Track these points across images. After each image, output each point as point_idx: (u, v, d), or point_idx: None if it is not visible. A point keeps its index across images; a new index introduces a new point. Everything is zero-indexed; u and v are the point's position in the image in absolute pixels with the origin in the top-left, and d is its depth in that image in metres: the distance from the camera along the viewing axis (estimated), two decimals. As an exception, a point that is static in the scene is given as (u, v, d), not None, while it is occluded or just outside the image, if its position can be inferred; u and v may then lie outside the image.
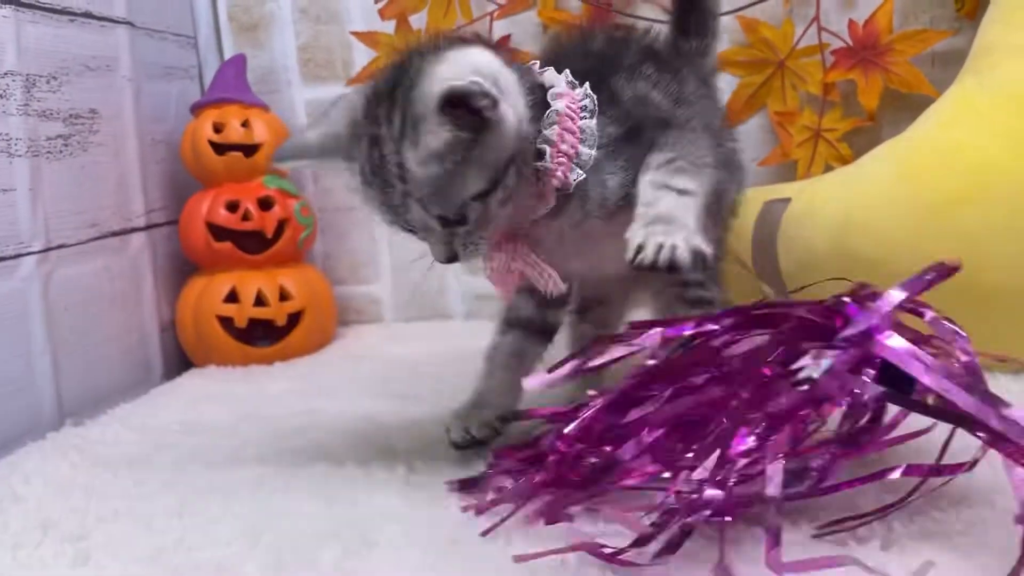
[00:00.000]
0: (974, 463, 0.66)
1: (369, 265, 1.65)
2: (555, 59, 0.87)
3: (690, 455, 0.66)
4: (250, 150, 1.43)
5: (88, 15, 1.27)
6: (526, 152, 0.78)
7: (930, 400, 0.66)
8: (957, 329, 0.69)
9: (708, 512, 0.61)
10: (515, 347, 0.95)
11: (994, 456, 0.62)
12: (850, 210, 1.11)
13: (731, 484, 0.62)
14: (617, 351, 0.73)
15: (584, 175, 0.79)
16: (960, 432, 0.66)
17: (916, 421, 0.70)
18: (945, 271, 0.69)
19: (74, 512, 0.83)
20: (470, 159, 0.73)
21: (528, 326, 0.95)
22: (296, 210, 1.46)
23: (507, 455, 0.81)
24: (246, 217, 1.41)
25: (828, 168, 1.37)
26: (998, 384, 0.84)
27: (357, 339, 1.56)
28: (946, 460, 0.68)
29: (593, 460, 0.71)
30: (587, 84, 0.82)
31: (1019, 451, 0.59)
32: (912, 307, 0.70)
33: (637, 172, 0.80)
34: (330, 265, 1.65)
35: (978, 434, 0.62)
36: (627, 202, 0.79)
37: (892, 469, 0.68)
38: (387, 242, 1.61)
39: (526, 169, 0.78)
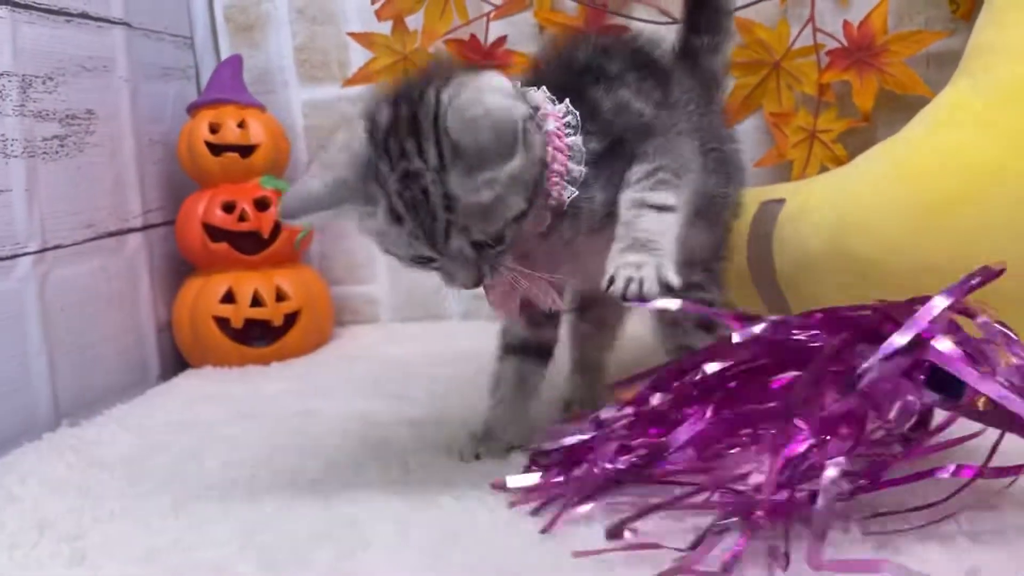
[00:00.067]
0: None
1: (366, 265, 1.65)
2: (536, 75, 0.88)
3: (739, 453, 0.68)
4: (246, 151, 1.43)
5: (84, 15, 1.28)
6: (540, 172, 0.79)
7: (980, 404, 0.67)
8: (1009, 332, 0.69)
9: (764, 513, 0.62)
10: (517, 375, 0.95)
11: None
12: (845, 211, 1.11)
13: (791, 486, 0.63)
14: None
15: (576, 192, 0.79)
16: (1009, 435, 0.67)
17: (965, 422, 0.71)
18: (990, 275, 0.69)
19: (70, 512, 0.83)
20: (516, 182, 0.73)
21: (525, 349, 0.96)
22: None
23: (546, 455, 0.82)
24: (242, 218, 1.41)
25: (823, 169, 1.37)
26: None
27: (354, 339, 1.56)
28: (996, 463, 0.69)
29: (640, 452, 0.73)
30: (567, 100, 0.82)
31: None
32: (963, 310, 0.70)
33: (621, 186, 0.80)
34: (327, 265, 1.65)
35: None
36: (613, 217, 0.79)
37: (941, 469, 0.68)
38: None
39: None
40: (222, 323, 1.40)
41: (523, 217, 0.76)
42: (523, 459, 0.90)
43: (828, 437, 0.64)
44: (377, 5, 1.50)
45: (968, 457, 0.70)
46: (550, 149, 0.78)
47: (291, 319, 1.44)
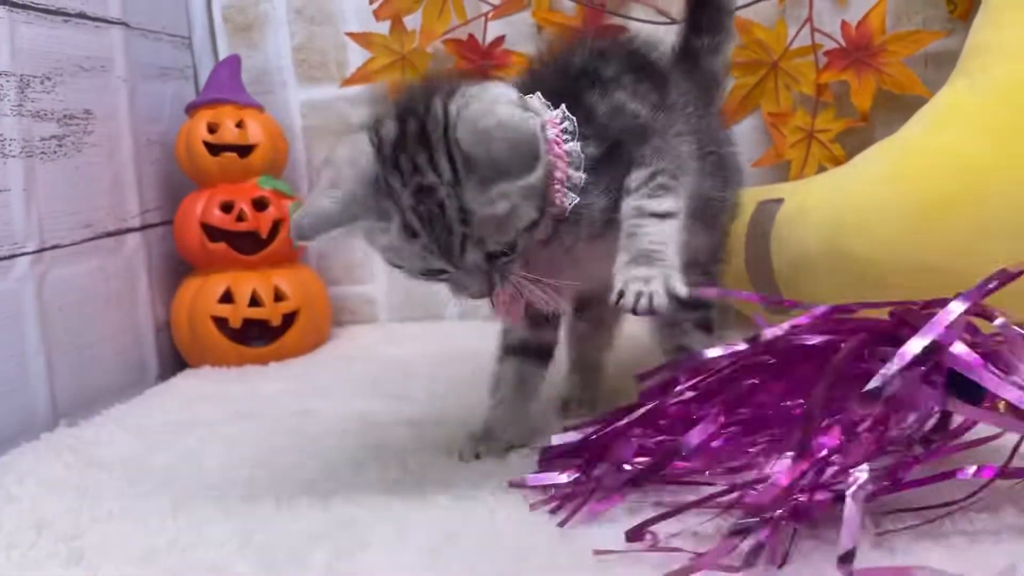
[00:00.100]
0: None
1: (364, 265, 1.65)
2: (532, 79, 0.88)
3: (758, 454, 0.68)
4: (244, 151, 1.43)
5: (82, 16, 1.28)
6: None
7: (1001, 407, 0.67)
8: None
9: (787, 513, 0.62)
10: (516, 376, 0.95)
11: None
12: (843, 210, 1.11)
13: (815, 486, 0.63)
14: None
15: (578, 199, 0.79)
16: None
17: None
18: (1007, 277, 0.70)
19: (68, 512, 0.83)
20: (529, 192, 0.74)
21: (525, 350, 0.96)
22: (291, 210, 1.46)
23: (560, 453, 0.82)
24: (241, 218, 1.41)
25: (821, 169, 1.37)
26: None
27: (351, 339, 1.56)
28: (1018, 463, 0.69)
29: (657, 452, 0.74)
30: (564, 105, 0.82)
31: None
32: (981, 312, 0.70)
33: (620, 192, 0.80)
34: (325, 265, 1.65)
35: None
36: (613, 223, 0.80)
37: (960, 470, 0.68)
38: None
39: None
40: (220, 323, 1.40)
41: (535, 226, 0.77)
42: (522, 458, 0.90)
43: (850, 440, 0.64)
44: (375, 5, 1.50)
45: (988, 458, 0.70)
46: (550, 156, 0.78)
47: (289, 319, 1.44)
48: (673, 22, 1.34)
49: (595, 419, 0.83)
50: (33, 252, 1.15)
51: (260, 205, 1.43)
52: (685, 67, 1.01)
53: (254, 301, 1.40)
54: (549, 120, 0.80)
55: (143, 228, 1.40)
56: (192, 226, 1.42)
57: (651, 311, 0.71)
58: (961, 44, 1.14)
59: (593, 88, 0.85)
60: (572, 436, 0.83)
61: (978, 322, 0.70)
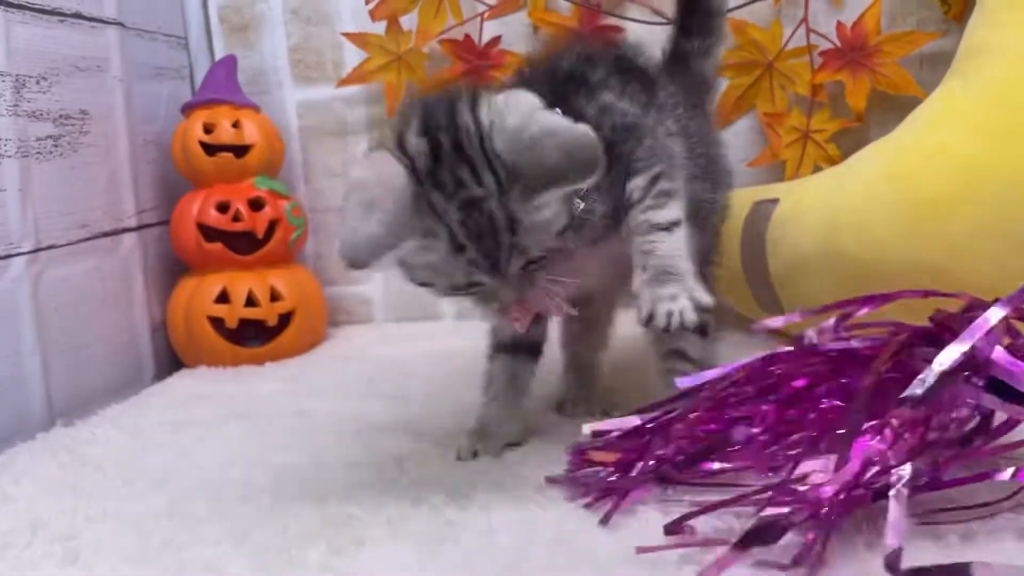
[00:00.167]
0: None
1: (360, 266, 1.65)
2: (521, 84, 0.87)
3: (800, 453, 0.68)
4: (241, 151, 1.43)
5: (78, 16, 1.27)
6: None
7: None
8: None
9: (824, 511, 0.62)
10: (508, 373, 0.96)
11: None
12: (838, 211, 1.11)
13: (857, 485, 0.63)
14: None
15: (582, 204, 0.80)
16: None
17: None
18: None
19: (63, 512, 0.83)
20: (566, 197, 0.74)
21: (515, 347, 0.96)
22: (287, 211, 1.46)
23: (591, 451, 0.82)
24: (237, 218, 1.41)
25: (816, 169, 1.37)
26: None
27: (348, 340, 1.56)
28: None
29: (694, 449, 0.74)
30: (557, 110, 0.81)
31: None
32: (1021, 315, 0.71)
33: (618, 197, 0.81)
34: (321, 266, 1.65)
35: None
36: (613, 227, 0.80)
37: (999, 471, 0.68)
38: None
39: None
40: (216, 323, 1.40)
41: (566, 231, 0.77)
42: (518, 456, 0.90)
43: (892, 439, 0.65)
44: (371, 5, 1.50)
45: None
46: None
47: (285, 319, 1.44)
48: (669, 22, 1.33)
49: (634, 411, 0.83)
50: (29, 252, 1.15)
51: (256, 205, 1.43)
52: (675, 70, 1.01)
53: (250, 301, 1.40)
54: None
55: (139, 228, 1.40)
56: (188, 226, 1.42)
57: (683, 326, 0.74)
58: (956, 45, 1.14)
59: (580, 91, 0.85)
60: (611, 424, 0.82)
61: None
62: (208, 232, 1.41)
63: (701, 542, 0.66)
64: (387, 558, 0.70)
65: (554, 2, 1.49)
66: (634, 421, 0.81)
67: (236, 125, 1.44)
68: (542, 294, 0.80)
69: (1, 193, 1.11)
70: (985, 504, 0.68)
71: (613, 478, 0.77)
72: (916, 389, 0.65)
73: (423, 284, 0.78)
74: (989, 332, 0.67)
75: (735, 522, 0.68)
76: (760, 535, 0.60)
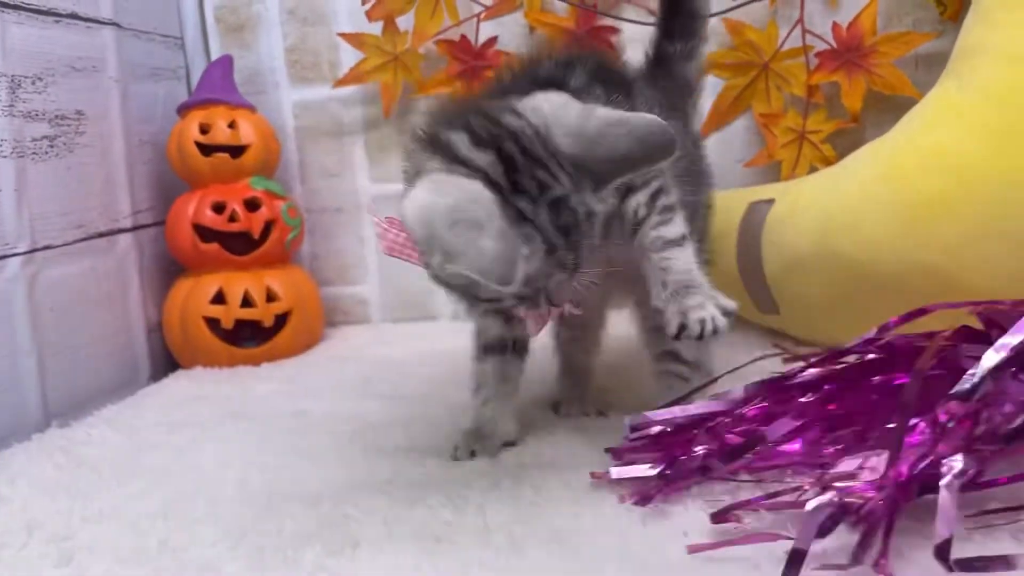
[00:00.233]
0: None
1: (356, 266, 1.65)
2: (500, 89, 0.88)
3: (846, 448, 0.70)
4: (237, 151, 1.43)
5: (74, 16, 1.27)
6: None
7: None
8: None
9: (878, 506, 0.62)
10: (499, 373, 0.96)
11: None
12: (834, 211, 1.12)
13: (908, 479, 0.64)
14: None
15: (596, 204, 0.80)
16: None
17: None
18: None
19: (59, 513, 0.82)
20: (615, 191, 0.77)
21: (502, 347, 0.96)
22: (283, 211, 1.46)
23: (636, 451, 0.83)
24: (233, 218, 1.41)
25: (812, 169, 1.38)
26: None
27: (344, 340, 1.56)
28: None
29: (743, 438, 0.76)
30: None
31: None
32: None
33: (617, 198, 0.81)
34: (317, 266, 1.65)
35: None
36: (611, 230, 0.80)
37: None
38: (374, 243, 1.61)
39: None
40: (212, 324, 1.40)
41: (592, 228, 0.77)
42: (513, 456, 0.90)
43: (941, 432, 0.65)
44: (368, 6, 1.50)
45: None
46: None
47: (282, 320, 1.44)
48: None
49: (674, 403, 0.84)
50: (24, 253, 1.14)
51: (252, 206, 1.43)
52: (657, 73, 1.02)
53: (246, 302, 1.40)
54: None
55: (135, 229, 1.40)
56: (184, 227, 1.41)
57: (715, 332, 0.77)
58: (951, 45, 1.14)
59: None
60: (658, 414, 0.83)
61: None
62: (204, 232, 1.41)
63: (747, 538, 0.66)
64: (383, 558, 0.70)
65: (550, 3, 1.49)
66: (680, 413, 0.82)
67: (232, 125, 1.44)
68: (569, 293, 0.80)
69: (-3, 193, 1.11)
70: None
71: (656, 472, 0.78)
72: (965, 384, 0.66)
73: (487, 300, 0.77)
74: None
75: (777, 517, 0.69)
76: (813, 528, 0.61)
